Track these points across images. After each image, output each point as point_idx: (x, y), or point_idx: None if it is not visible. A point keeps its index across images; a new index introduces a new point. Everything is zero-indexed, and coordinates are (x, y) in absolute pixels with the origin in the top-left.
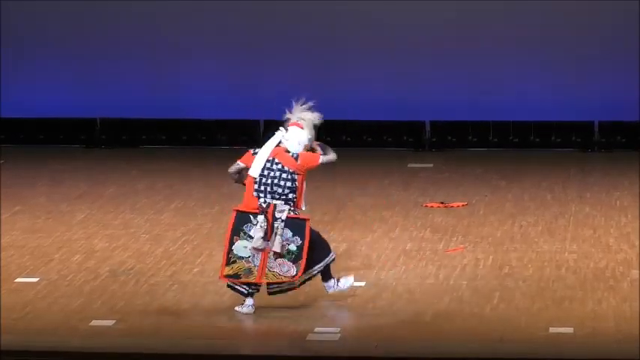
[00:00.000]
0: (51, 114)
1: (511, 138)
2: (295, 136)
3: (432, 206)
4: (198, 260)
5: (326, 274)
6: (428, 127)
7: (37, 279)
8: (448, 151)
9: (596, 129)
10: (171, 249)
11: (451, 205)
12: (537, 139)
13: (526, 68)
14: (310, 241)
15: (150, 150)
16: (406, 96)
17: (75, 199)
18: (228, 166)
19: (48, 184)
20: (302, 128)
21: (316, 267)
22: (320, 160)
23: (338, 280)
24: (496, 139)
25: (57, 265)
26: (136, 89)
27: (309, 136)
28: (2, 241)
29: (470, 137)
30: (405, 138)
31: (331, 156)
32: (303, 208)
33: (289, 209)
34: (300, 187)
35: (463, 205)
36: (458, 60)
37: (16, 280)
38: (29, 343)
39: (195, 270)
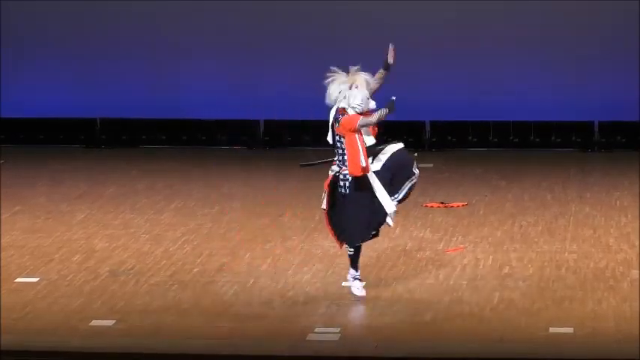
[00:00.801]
0: (51, 114)
1: (511, 138)
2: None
3: (432, 206)
4: (198, 260)
5: (355, 261)
6: (428, 127)
7: (37, 279)
8: (448, 151)
9: (596, 129)
10: (171, 249)
11: (451, 205)
12: (537, 139)
13: (526, 68)
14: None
15: (150, 150)
16: (406, 96)
17: (75, 199)
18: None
19: (48, 184)
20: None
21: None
22: (358, 123)
23: (356, 279)
24: (496, 139)
25: (57, 265)
26: (136, 89)
27: (343, 92)
28: (2, 241)
29: (470, 137)
30: (405, 138)
31: (371, 118)
32: (365, 165)
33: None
34: (348, 149)
35: (463, 205)
36: (458, 60)
37: (16, 280)
38: (29, 343)
39: (195, 270)
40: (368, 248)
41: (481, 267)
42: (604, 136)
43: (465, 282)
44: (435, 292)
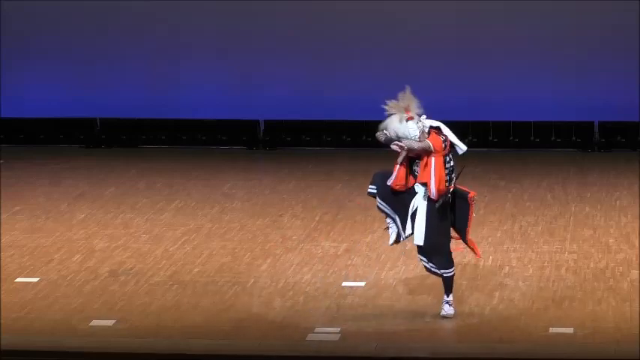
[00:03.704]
0: (51, 114)
1: (511, 138)
2: None
3: None
4: (198, 260)
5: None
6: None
7: (37, 279)
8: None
9: (596, 129)
10: (171, 249)
11: None
12: (537, 139)
13: (526, 68)
14: None
15: (150, 150)
16: None
17: (75, 199)
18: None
19: (48, 184)
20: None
21: None
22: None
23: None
24: (496, 139)
25: (57, 265)
26: (136, 89)
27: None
28: (2, 241)
29: (470, 137)
30: None
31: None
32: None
33: None
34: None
35: None
36: (458, 60)
37: (16, 280)
38: (29, 343)
39: (195, 270)
40: (368, 248)
41: (481, 267)
42: (604, 136)
43: (465, 282)
44: (435, 292)
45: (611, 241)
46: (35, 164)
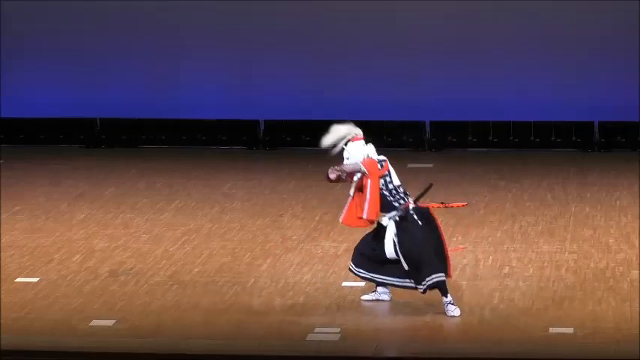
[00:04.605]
0: (51, 114)
1: (511, 138)
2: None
3: (432, 206)
4: (198, 260)
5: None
6: (428, 127)
7: (37, 279)
8: (448, 151)
9: (596, 129)
10: (171, 249)
11: (451, 205)
12: (537, 139)
13: (526, 68)
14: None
15: (149, 150)
16: (406, 96)
17: (75, 199)
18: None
19: (48, 184)
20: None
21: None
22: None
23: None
24: (496, 139)
25: (57, 265)
26: (136, 89)
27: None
28: (2, 241)
29: (470, 137)
30: (405, 138)
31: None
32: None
33: None
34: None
35: (463, 206)
36: (458, 60)
37: (16, 280)
38: (29, 343)
39: (195, 270)
40: None
41: (481, 267)
42: (604, 136)
43: (465, 282)
44: (435, 292)
45: (611, 241)
46: (35, 164)
